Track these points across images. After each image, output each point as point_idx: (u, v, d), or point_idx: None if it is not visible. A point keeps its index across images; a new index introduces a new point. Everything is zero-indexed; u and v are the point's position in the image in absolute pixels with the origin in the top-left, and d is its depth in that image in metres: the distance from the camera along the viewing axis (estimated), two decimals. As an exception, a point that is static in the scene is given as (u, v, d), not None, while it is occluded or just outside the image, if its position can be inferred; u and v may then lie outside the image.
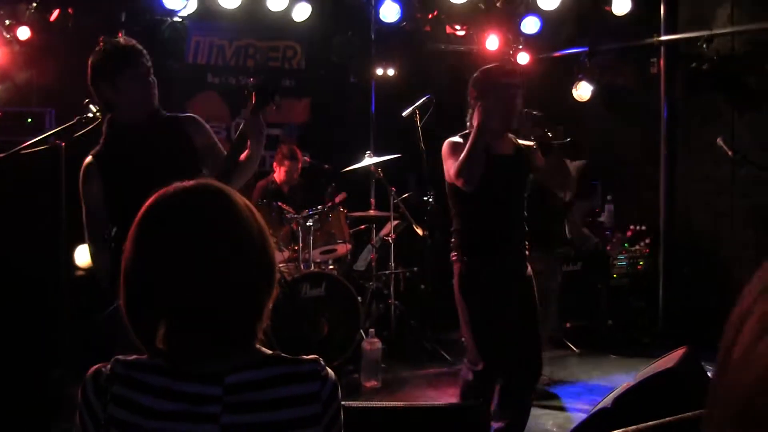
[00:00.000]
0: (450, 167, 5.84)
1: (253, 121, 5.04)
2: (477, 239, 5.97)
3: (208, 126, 5.34)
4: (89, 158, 5.11)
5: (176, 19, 9.14)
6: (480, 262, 5.96)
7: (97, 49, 5.05)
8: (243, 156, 5.12)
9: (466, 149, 5.65)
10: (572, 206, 8.56)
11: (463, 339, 6.23)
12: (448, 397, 7.96)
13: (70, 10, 8.69)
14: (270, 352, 2.36)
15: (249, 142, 5.10)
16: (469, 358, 6.07)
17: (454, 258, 6.08)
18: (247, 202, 2.38)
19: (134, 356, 2.29)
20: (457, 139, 5.98)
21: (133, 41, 5.14)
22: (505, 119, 5.83)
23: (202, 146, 5.19)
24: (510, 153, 5.98)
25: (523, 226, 6.10)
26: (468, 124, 5.97)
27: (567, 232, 8.02)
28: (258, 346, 2.36)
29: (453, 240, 6.12)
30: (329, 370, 2.39)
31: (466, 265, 5.97)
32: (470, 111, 5.95)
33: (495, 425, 6.07)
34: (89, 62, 5.06)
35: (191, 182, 2.35)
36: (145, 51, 5.09)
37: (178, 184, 2.34)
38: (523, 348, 6.07)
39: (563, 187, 6.38)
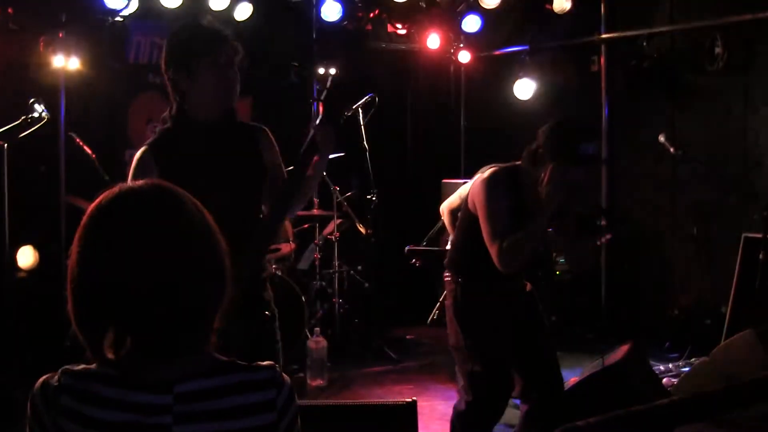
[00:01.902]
0: (481, 210, 5.40)
1: (323, 130, 4.43)
2: (481, 264, 5.44)
3: (275, 142, 4.69)
4: (144, 148, 4.41)
5: (117, 18, 9.07)
6: (478, 286, 5.65)
7: (177, 28, 4.53)
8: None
9: (523, 237, 5.21)
10: None
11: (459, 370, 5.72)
12: (394, 394, 7.97)
13: (10, 10, 8.60)
14: (224, 358, 2.32)
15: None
16: (462, 386, 5.72)
17: (447, 278, 5.79)
18: (198, 203, 2.34)
19: (82, 366, 2.24)
20: (498, 174, 5.47)
21: (218, 25, 4.54)
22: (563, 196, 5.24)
23: (268, 165, 4.61)
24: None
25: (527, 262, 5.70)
26: (525, 154, 5.45)
27: None
28: (211, 351, 2.32)
29: (451, 257, 5.86)
30: (285, 376, 2.36)
31: (462, 288, 5.67)
32: (534, 153, 5.39)
33: None
34: (166, 43, 4.49)
35: (140, 182, 2.31)
36: (230, 39, 4.45)
37: (124, 184, 2.31)
38: (539, 368, 5.71)
39: (577, 268, 6.02)
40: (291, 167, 4.52)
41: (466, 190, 6.11)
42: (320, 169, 4.57)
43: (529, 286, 5.92)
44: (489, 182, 5.39)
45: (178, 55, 4.38)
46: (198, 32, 4.44)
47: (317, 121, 4.49)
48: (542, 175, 5.25)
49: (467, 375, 5.59)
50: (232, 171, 4.39)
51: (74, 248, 2.25)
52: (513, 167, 5.49)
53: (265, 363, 2.35)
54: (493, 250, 5.27)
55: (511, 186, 5.41)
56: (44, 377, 2.24)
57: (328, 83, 4.61)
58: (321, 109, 4.50)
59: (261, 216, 4.66)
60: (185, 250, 2.24)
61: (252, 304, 4.20)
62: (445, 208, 6.51)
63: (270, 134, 4.69)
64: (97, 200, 2.28)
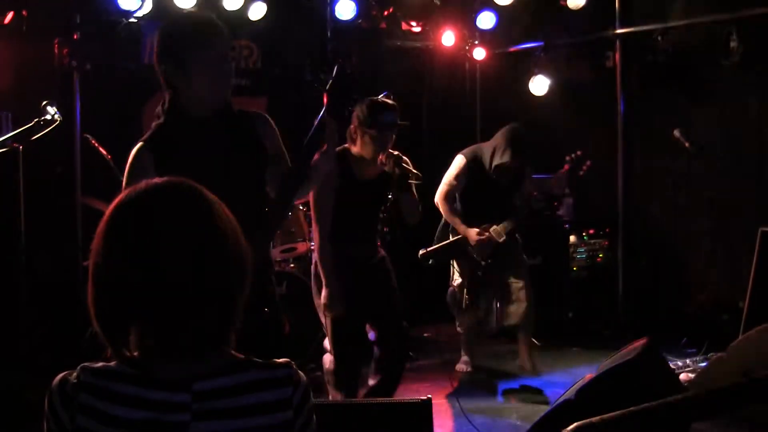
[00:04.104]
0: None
1: (321, 127, 4.46)
2: (332, 235, 6.51)
3: (275, 129, 4.65)
4: (140, 144, 4.27)
5: (131, 20, 9.08)
6: (333, 251, 6.52)
7: (168, 19, 4.36)
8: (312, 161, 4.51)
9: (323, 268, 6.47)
10: (521, 183, 8.60)
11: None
12: (411, 392, 7.96)
13: (24, 13, 8.62)
14: (241, 356, 2.32)
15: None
16: (329, 345, 6.81)
17: (313, 246, 6.86)
18: (219, 201, 2.34)
19: (101, 363, 2.24)
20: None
21: (211, 15, 4.38)
22: (375, 154, 6.47)
23: (270, 152, 4.55)
24: (373, 178, 6.68)
25: (375, 229, 7.05)
26: (347, 135, 6.66)
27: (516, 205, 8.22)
28: (229, 349, 2.32)
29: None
30: (301, 373, 2.35)
31: None
32: (351, 132, 6.66)
33: (370, 381, 7.01)
34: (157, 36, 4.31)
35: (163, 179, 2.31)
36: (224, 29, 4.29)
37: (149, 181, 2.30)
38: (385, 323, 6.88)
39: (412, 219, 6.81)
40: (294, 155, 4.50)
41: (450, 175, 8.24)
42: (327, 160, 4.56)
43: (382, 253, 6.99)
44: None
45: (169, 50, 4.25)
46: (190, 24, 4.33)
47: (321, 113, 4.45)
48: (361, 146, 6.54)
49: (331, 329, 6.63)
50: (232, 162, 4.33)
51: (96, 244, 2.25)
52: (342, 148, 6.56)
53: (281, 360, 2.35)
54: (314, 229, 6.54)
55: (340, 166, 6.42)
56: (62, 374, 2.24)
57: (334, 72, 4.52)
58: (325, 99, 4.41)
59: (263, 207, 4.66)
60: (208, 247, 2.24)
61: (256, 300, 4.19)
62: (439, 198, 8.23)
63: (270, 121, 4.64)
64: (120, 197, 2.28)
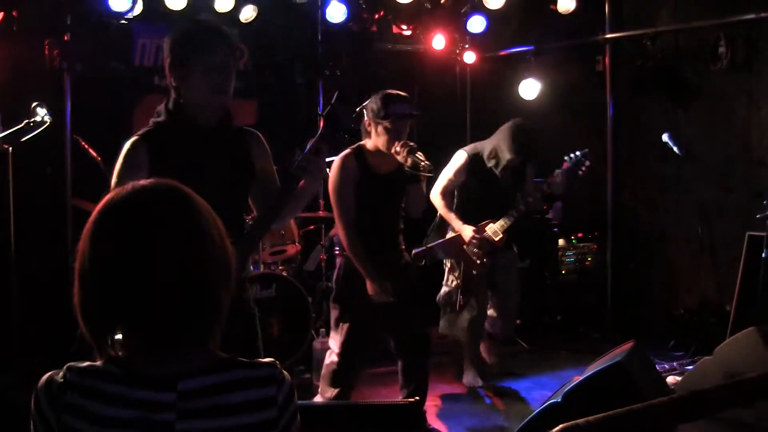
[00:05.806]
0: (330, 192, 6.67)
1: (314, 151, 4.47)
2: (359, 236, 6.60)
3: (267, 148, 4.76)
4: (136, 138, 4.37)
5: (122, 21, 9.06)
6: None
7: (174, 28, 4.43)
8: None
9: (358, 262, 6.55)
10: (523, 181, 8.57)
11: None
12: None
13: (14, 13, 8.60)
14: (225, 355, 2.34)
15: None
16: (334, 343, 6.74)
17: (337, 252, 7.14)
18: (207, 204, 2.36)
19: (87, 363, 2.26)
20: (344, 158, 6.66)
21: (217, 24, 4.45)
22: (390, 145, 6.40)
23: (259, 170, 4.67)
24: (391, 171, 6.63)
25: (397, 227, 6.89)
26: (363, 135, 6.74)
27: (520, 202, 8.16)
28: (213, 349, 2.34)
29: (339, 236, 6.87)
30: (285, 373, 2.37)
31: (346, 259, 6.73)
32: (366, 126, 6.66)
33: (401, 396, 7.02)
34: (167, 40, 4.41)
35: (149, 181, 2.33)
36: (229, 37, 4.42)
37: (135, 183, 2.32)
38: (407, 326, 6.89)
39: (416, 212, 6.95)
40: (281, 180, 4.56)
41: (450, 171, 8.06)
42: (310, 190, 4.66)
43: (406, 257, 7.09)
44: (336, 167, 6.61)
45: (173, 54, 4.35)
46: (194, 31, 4.40)
47: (316, 137, 4.52)
48: (376, 139, 6.52)
49: (337, 321, 6.69)
50: (221, 175, 4.37)
51: (83, 243, 2.26)
52: (357, 146, 6.71)
53: (265, 360, 2.36)
54: (338, 227, 6.65)
55: (358, 161, 6.61)
56: (49, 374, 2.25)
57: (333, 98, 4.62)
58: (321, 123, 4.51)
59: (243, 219, 4.77)
60: (193, 248, 2.26)
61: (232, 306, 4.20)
62: (436, 194, 8.05)
63: (263, 140, 4.73)
64: (105, 199, 2.30)
